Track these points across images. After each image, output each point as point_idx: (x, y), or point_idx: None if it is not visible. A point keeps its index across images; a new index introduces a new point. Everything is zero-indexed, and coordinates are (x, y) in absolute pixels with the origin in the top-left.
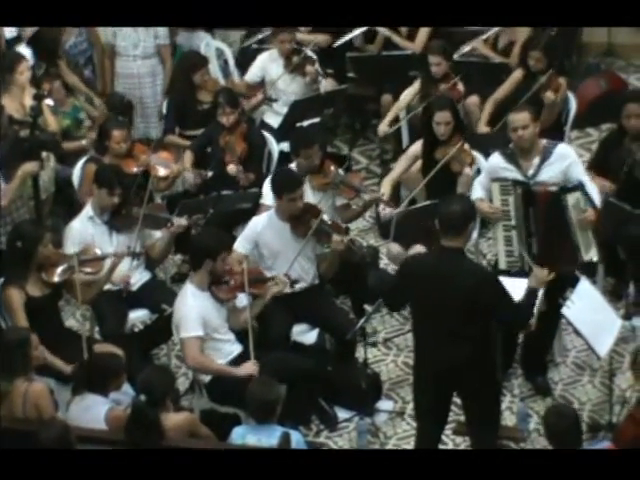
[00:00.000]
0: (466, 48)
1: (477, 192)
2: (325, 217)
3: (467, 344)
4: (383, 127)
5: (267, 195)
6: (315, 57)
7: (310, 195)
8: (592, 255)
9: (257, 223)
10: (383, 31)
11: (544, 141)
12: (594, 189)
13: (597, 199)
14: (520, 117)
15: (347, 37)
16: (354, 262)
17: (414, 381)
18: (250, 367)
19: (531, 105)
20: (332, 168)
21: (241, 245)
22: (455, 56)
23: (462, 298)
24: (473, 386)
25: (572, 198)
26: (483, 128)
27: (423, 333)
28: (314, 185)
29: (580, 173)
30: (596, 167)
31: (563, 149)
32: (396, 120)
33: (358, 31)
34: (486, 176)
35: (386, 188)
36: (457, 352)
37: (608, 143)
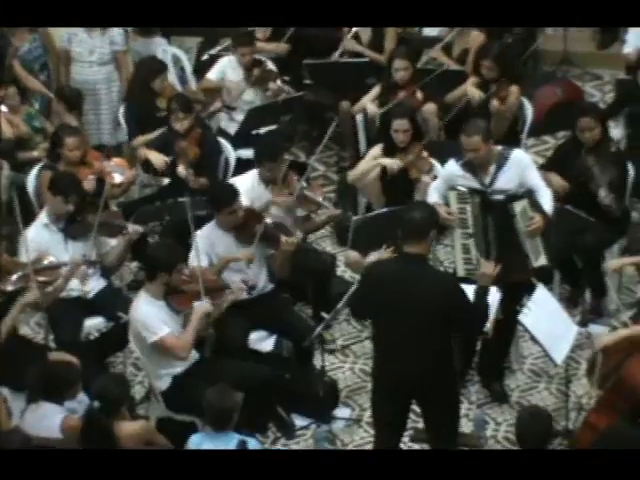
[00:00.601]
0: (425, 57)
1: (433, 197)
2: (268, 220)
3: (429, 353)
4: (371, 107)
5: None
6: (276, 70)
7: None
8: (541, 261)
9: (202, 237)
10: (352, 46)
11: (499, 148)
12: (547, 195)
13: (548, 205)
14: (471, 142)
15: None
16: (312, 268)
17: (373, 389)
18: (204, 305)
19: (482, 118)
20: (295, 180)
21: (195, 258)
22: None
23: (425, 305)
24: (433, 395)
25: (519, 206)
26: (475, 93)
27: (384, 341)
28: (274, 194)
29: (535, 177)
30: (550, 169)
31: (518, 154)
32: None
33: (337, 53)
34: (442, 182)
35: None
36: (419, 361)
37: (564, 150)
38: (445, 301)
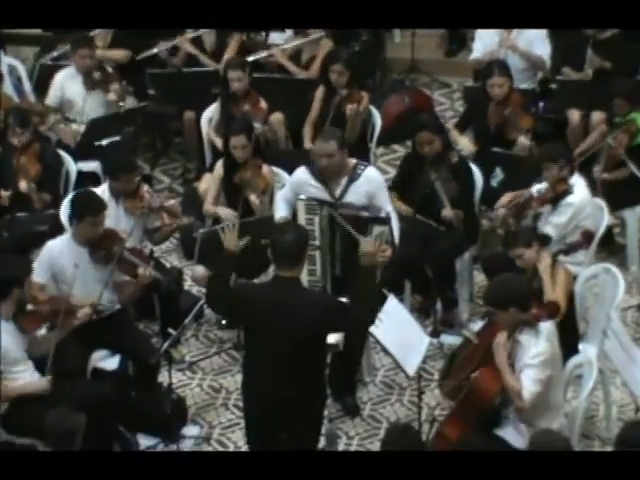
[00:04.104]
0: (263, 53)
1: (281, 210)
2: (128, 244)
3: (300, 380)
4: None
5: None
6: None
7: (123, 218)
8: None
9: (52, 248)
10: (187, 47)
11: (353, 161)
12: (396, 220)
13: (397, 233)
14: (328, 147)
15: (150, 52)
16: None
17: (245, 415)
18: (42, 383)
19: (336, 125)
20: (145, 192)
21: (37, 274)
22: (251, 58)
23: (302, 330)
24: (299, 423)
25: (377, 230)
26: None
27: (256, 367)
28: (128, 208)
29: (384, 201)
30: (397, 188)
31: (371, 173)
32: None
33: (164, 46)
34: (291, 190)
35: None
36: (290, 388)
37: (407, 166)
38: (325, 323)
